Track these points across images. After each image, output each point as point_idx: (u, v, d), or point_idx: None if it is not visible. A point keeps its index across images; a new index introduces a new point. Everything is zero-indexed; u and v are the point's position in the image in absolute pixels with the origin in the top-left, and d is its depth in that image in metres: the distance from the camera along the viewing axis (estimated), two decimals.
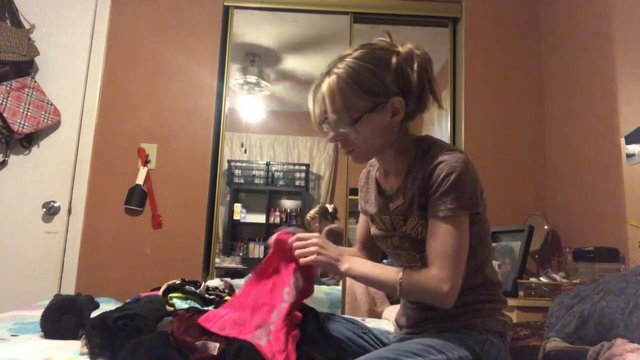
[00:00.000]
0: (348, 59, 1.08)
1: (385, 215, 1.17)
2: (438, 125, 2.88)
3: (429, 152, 1.09)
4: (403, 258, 1.16)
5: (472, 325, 1.07)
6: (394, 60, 1.09)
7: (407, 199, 1.10)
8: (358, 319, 1.36)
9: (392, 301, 2.65)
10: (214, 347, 0.96)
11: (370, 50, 1.10)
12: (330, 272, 1.11)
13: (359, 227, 1.37)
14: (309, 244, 1.08)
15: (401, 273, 1.05)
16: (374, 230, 1.23)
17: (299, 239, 1.10)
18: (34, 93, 2.50)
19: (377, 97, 1.07)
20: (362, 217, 1.35)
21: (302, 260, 1.07)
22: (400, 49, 1.11)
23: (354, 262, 1.10)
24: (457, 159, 1.04)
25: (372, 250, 1.34)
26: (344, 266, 1.08)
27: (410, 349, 0.99)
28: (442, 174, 1.03)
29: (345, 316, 1.30)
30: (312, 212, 3.21)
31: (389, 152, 1.15)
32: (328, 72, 1.10)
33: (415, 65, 1.09)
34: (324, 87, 1.09)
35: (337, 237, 2.85)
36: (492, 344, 1.06)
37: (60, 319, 1.24)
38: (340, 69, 1.07)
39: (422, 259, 1.10)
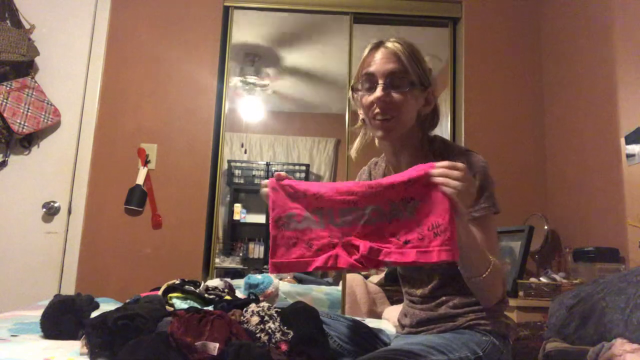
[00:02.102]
0: (400, 40, 1.13)
1: None
2: (438, 125, 2.88)
3: (445, 152, 1.12)
4: None
5: (475, 326, 1.07)
6: None
7: None
8: (358, 319, 1.36)
9: (392, 301, 2.65)
10: (214, 347, 0.96)
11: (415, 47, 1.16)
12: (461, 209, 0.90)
13: None
14: (459, 177, 0.87)
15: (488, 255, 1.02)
16: None
17: (450, 168, 0.88)
18: (34, 93, 2.50)
19: (424, 78, 1.12)
20: None
21: (446, 190, 0.86)
22: None
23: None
24: (479, 160, 1.09)
25: None
26: (466, 212, 0.93)
27: (411, 349, 0.98)
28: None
29: (347, 316, 1.30)
30: None
31: (408, 147, 1.17)
32: (383, 43, 1.12)
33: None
34: (397, 46, 1.10)
35: None
36: (494, 346, 1.05)
37: (60, 319, 1.24)
38: (401, 41, 1.12)
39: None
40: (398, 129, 1.12)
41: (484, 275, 0.99)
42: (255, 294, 1.53)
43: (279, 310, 1.16)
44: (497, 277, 1.03)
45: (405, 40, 1.13)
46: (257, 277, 2.44)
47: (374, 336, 1.22)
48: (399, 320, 1.26)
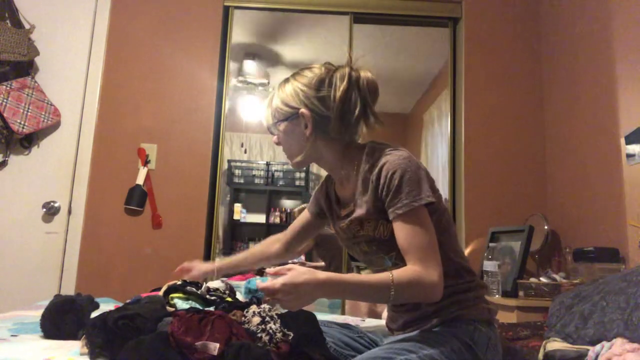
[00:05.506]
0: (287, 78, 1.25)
1: (342, 223, 1.20)
2: (438, 125, 2.88)
3: (372, 156, 1.13)
4: (375, 263, 1.19)
5: (459, 317, 1.10)
6: (321, 78, 1.18)
7: (359, 205, 1.14)
8: (357, 319, 1.36)
9: None
10: (214, 347, 0.96)
11: (301, 71, 1.23)
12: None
13: (296, 220, 1.46)
14: (276, 297, 0.98)
15: (390, 274, 1.01)
16: (341, 240, 1.28)
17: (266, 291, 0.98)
18: (34, 93, 2.50)
19: (290, 108, 1.19)
20: (303, 213, 1.43)
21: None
22: (343, 70, 1.17)
23: (336, 284, 1.01)
24: (399, 157, 1.09)
25: (293, 245, 1.45)
26: (323, 295, 1.01)
27: (403, 346, 1.01)
28: (387, 175, 1.07)
29: (340, 322, 1.31)
30: (302, 206, 3.18)
31: (326, 162, 1.23)
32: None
33: (360, 86, 1.16)
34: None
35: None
36: (481, 333, 1.08)
37: (60, 319, 1.23)
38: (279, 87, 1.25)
39: (392, 258, 1.13)
40: (293, 157, 1.24)
41: (391, 298, 1.00)
42: (257, 298, 1.53)
43: (278, 314, 1.17)
44: (409, 289, 1.00)
45: (278, 86, 1.24)
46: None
47: (369, 340, 1.24)
48: (387, 325, 1.29)
